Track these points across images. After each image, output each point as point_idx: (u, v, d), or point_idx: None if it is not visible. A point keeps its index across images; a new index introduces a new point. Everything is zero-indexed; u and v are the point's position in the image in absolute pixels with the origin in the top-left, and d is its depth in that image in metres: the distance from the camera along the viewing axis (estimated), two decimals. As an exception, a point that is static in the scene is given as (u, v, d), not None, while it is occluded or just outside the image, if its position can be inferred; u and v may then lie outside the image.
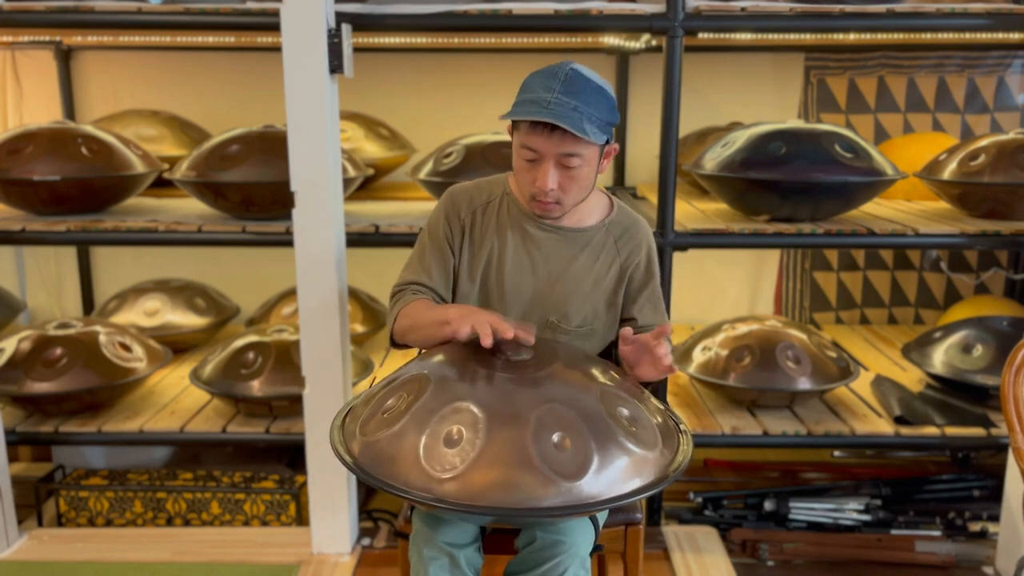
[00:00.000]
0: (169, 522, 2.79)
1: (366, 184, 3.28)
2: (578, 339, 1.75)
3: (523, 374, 1.48)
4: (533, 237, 1.72)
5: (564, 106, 1.51)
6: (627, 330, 1.60)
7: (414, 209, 2.92)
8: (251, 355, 2.75)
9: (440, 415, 1.41)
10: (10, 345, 2.75)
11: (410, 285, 1.75)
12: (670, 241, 2.53)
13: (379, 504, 2.97)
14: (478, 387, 1.45)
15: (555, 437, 1.37)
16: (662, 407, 1.61)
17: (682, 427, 1.58)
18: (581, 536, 1.53)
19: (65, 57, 3.49)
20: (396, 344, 1.75)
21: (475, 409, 1.40)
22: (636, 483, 1.39)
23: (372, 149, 3.25)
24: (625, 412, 1.47)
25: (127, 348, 2.84)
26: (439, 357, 1.57)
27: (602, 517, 1.67)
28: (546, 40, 3.30)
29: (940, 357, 2.86)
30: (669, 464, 1.45)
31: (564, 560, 1.49)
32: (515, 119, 1.56)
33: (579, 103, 1.52)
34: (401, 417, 1.43)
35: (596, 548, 1.62)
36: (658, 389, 2.63)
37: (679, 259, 2.56)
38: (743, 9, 2.42)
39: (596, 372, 1.54)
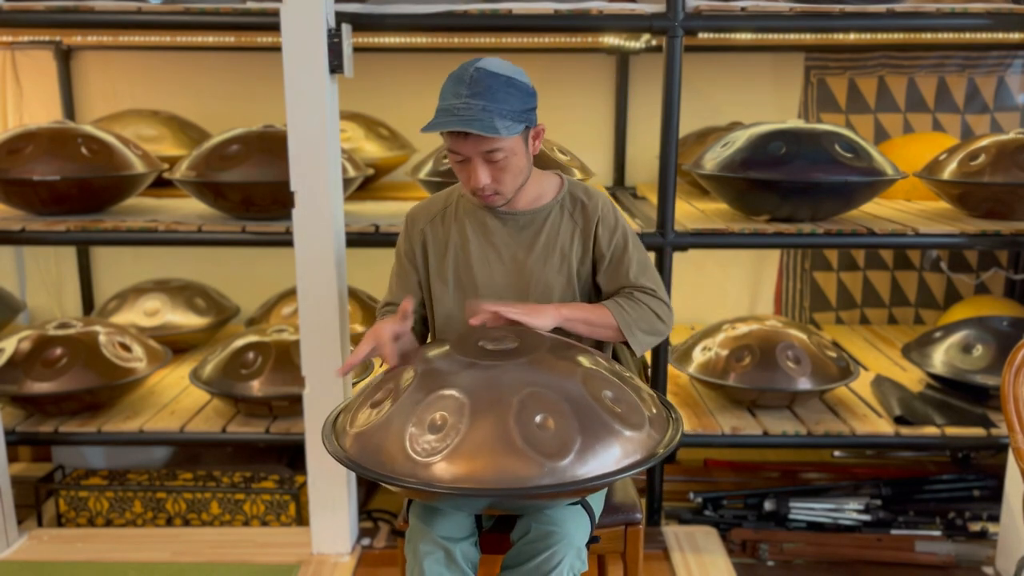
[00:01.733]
0: (169, 522, 2.79)
1: (366, 184, 3.28)
2: None
3: (508, 362, 1.49)
4: (491, 228, 1.77)
5: (473, 109, 1.57)
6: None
7: (414, 209, 2.91)
8: (251, 355, 2.75)
9: (425, 403, 1.43)
10: (10, 345, 2.75)
11: (384, 307, 1.88)
12: (670, 241, 2.53)
13: (379, 504, 2.97)
14: (463, 375, 1.47)
15: (537, 418, 1.39)
16: (653, 393, 1.62)
17: (671, 410, 1.59)
18: (575, 526, 1.53)
19: (65, 57, 3.50)
20: None
21: (459, 395, 1.42)
22: (624, 462, 1.39)
23: (372, 149, 3.25)
24: (609, 394, 1.48)
25: (127, 348, 2.84)
26: (426, 350, 1.59)
27: (597, 507, 1.67)
28: (546, 40, 3.30)
29: (940, 357, 2.86)
30: (658, 444, 1.46)
31: (559, 550, 1.49)
32: (432, 131, 1.61)
33: (487, 102, 1.58)
34: (387, 408, 1.46)
35: (593, 540, 1.62)
36: (657, 385, 2.64)
37: (679, 259, 2.56)
38: (743, 9, 2.42)
39: (581, 358, 1.56)
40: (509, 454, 1.35)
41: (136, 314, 3.29)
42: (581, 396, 1.44)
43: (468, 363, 1.49)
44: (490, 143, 1.60)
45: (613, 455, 1.39)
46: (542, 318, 1.64)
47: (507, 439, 1.36)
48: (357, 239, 2.55)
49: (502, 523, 1.67)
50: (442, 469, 1.35)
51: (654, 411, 1.54)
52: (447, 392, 1.43)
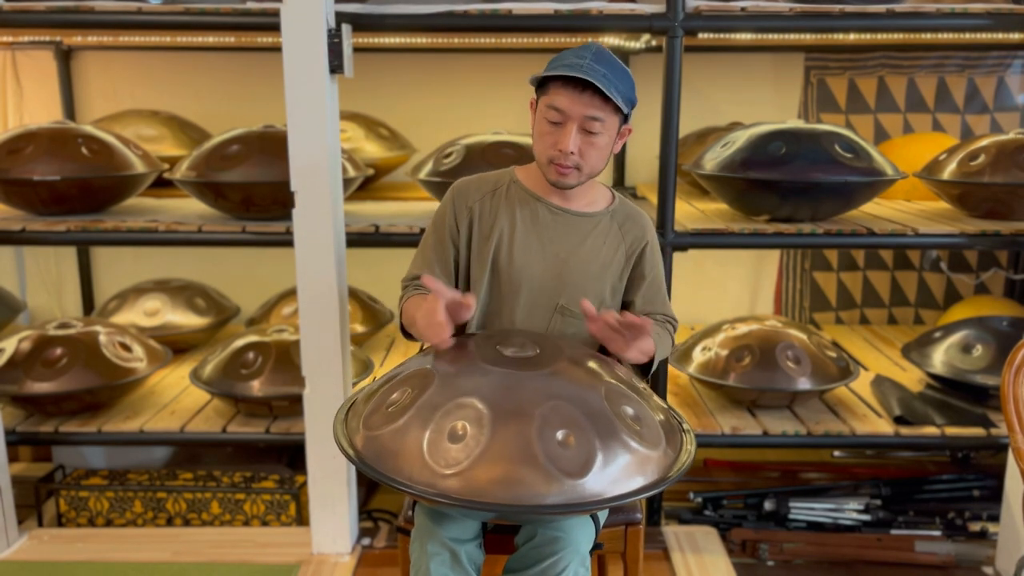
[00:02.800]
0: (169, 522, 2.79)
1: (366, 184, 3.28)
2: (585, 324, 1.76)
3: (528, 371, 1.47)
4: (541, 219, 1.75)
5: (595, 71, 1.59)
6: (588, 308, 1.60)
7: (414, 209, 2.92)
8: (251, 355, 2.75)
9: (444, 410, 1.41)
10: (10, 345, 2.75)
11: (413, 281, 1.80)
12: (670, 241, 2.53)
13: (379, 504, 2.97)
14: (483, 383, 1.45)
15: (559, 434, 1.37)
16: (664, 406, 1.62)
17: (685, 427, 1.59)
18: (581, 533, 1.53)
19: (65, 57, 3.50)
20: (408, 335, 1.78)
21: (480, 405, 1.40)
22: (639, 482, 1.39)
23: (372, 149, 3.25)
24: (630, 411, 1.47)
25: (127, 348, 2.84)
26: (444, 353, 1.57)
27: (603, 515, 1.67)
28: (546, 40, 3.30)
29: (940, 357, 2.86)
30: (672, 464, 1.45)
31: (564, 557, 1.49)
32: (548, 75, 1.62)
33: (608, 72, 1.60)
34: (405, 412, 1.43)
35: (596, 547, 1.62)
36: (658, 387, 2.64)
37: (679, 259, 2.57)
38: (743, 9, 2.42)
39: (601, 370, 1.54)
40: (530, 469, 1.33)
41: (136, 314, 3.29)
42: (602, 412, 1.43)
43: (487, 369, 1.47)
44: (597, 108, 1.61)
45: (631, 474, 1.39)
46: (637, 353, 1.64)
47: (529, 454, 1.34)
48: (357, 239, 2.55)
49: (506, 524, 1.67)
50: (462, 480, 1.33)
51: (669, 425, 1.53)
52: (467, 400, 1.41)
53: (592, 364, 1.56)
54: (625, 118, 1.68)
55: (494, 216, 1.76)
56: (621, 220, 1.79)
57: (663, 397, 2.64)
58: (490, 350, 1.53)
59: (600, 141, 1.64)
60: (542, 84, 1.65)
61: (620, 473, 1.38)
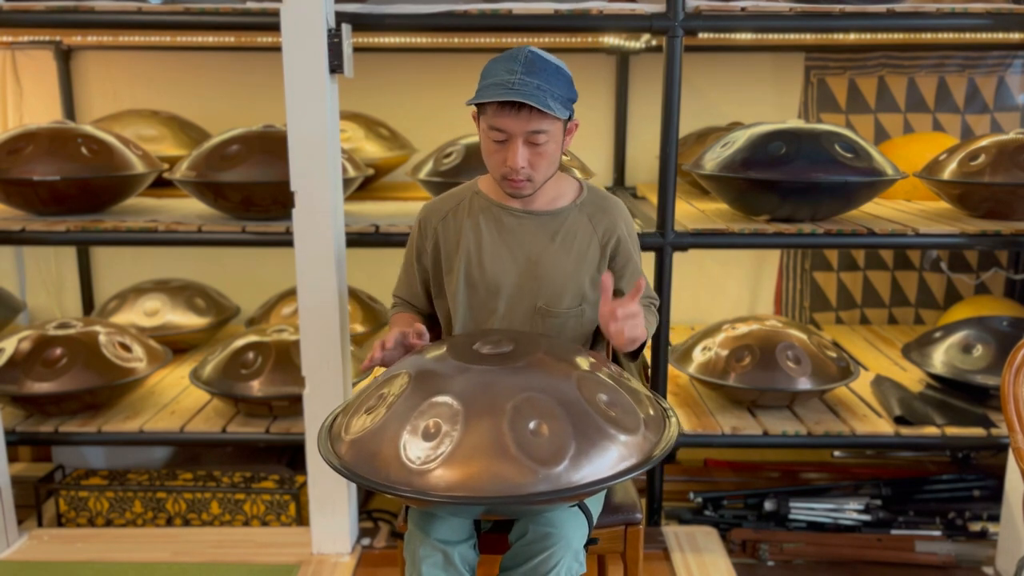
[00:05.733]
0: (169, 522, 2.79)
1: (366, 184, 3.28)
2: (570, 321, 1.77)
3: (503, 366, 1.48)
4: (507, 226, 1.77)
5: (528, 86, 1.58)
6: (607, 283, 1.62)
7: (414, 209, 2.91)
8: (251, 355, 2.75)
9: (419, 410, 1.42)
10: (10, 345, 2.75)
11: (395, 298, 1.96)
12: (670, 241, 2.54)
13: (379, 504, 2.97)
14: (457, 380, 1.46)
15: (531, 424, 1.38)
16: (649, 394, 1.61)
17: (668, 411, 1.58)
18: (573, 528, 1.53)
19: (65, 57, 3.50)
20: None
21: (453, 402, 1.41)
22: (619, 467, 1.39)
23: (372, 149, 3.25)
24: (604, 398, 1.47)
25: (127, 348, 2.84)
26: (422, 354, 1.59)
27: (595, 509, 1.67)
28: (546, 40, 3.30)
29: (940, 357, 2.86)
30: (653, 448, 1.45)
31: (556, 552, 1.49)
32: (482, 102, 1.61)
33: (541, 82, 1.59)
34: (382, 414, 1.45)
35: (591, 541, 1.62)
36: (657, 385, 2.64)
37: (679, 259, 2.57)
38: (743, 9, 2.42)
39: (577, 360, 1.55)
40: (503, 461, 1.34)
41: (136, 314, 3.29)
42: (576, 400, 1.43)
43: (463, 367, 1.49)
44: (538, 122, 1.60)
45: (608, 459, 1.39)
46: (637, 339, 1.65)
47: (501, 446, 1.35)
48: (357, 239, 2.55)
49: (501, 524, 1.67)
50: (437, 477, 1.34)
51: (651, 413, 1.53)
52: (441, 398, 1.43)
53: (569, 356, 1.56)
54: (570, 115, 1.67)
55: (458, 232, 1.79)
56: (591, 211, 1.79)
57: (663, 397, 2.64)
58: (466, 349, 1.55)
59: (547, 149, 1.65)
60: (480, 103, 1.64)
61: (598, 459, 1.38)
